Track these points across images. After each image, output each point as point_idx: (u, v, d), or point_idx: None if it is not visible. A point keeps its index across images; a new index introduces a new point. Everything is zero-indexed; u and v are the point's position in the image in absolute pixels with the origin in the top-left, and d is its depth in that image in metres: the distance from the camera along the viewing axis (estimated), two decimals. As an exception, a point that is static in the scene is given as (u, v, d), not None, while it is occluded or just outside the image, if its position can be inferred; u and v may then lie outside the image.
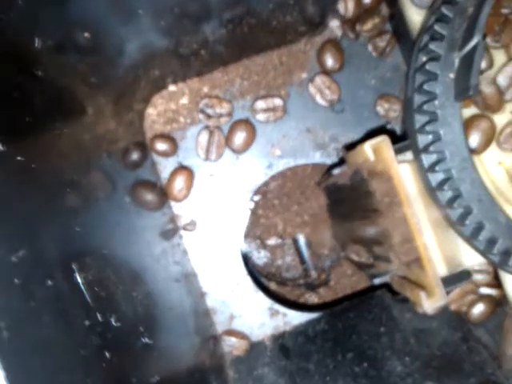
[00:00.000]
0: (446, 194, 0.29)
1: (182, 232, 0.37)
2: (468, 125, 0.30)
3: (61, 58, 0.21)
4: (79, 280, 0.17)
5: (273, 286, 0.42)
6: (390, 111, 0.37)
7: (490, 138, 0.31)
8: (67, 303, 0.16)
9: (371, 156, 0.32)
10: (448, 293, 0.35)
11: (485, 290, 0.34)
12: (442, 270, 0.32)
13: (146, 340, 0.22)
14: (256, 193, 0.41)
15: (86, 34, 0.23)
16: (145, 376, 0.21)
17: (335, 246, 0.44)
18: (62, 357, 0.15)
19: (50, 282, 0.15)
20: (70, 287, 0.16)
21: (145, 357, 0.21)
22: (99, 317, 0.17)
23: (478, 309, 0.34)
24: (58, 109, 0.23)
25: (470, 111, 0.30)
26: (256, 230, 0.42)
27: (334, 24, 0.37)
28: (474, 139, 0.31)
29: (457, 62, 0.28)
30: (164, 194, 0.37)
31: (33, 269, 0.14)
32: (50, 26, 0.19)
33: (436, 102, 0.29)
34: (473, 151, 0.30)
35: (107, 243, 0.27)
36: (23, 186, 0.16)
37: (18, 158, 0.16)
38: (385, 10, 0.37)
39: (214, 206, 0.37)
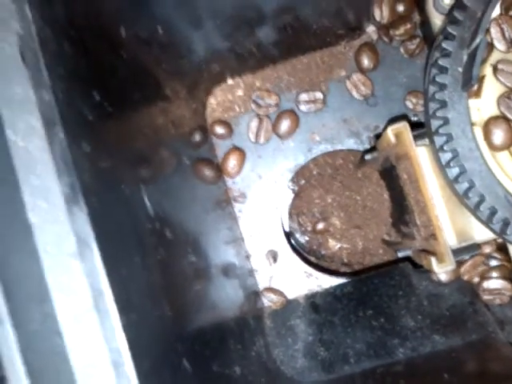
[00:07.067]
0: (454, 171, 0.34)
1: (234, 203, 0.44)
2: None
3: (141, 47, 0.29)
4: (145, 197, 0.24)
5: (313, 259, 0.48)
6: (417, 105, 0.42)
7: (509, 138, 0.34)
8: (135, 206, 0.23)
9: (393, 139, 0.37)
10: (461, 264, 0.40)
11: (494, 263, 0.38)
12: (453, 242, 0.37)
13: (193, 258, 0.28)
14: (299, 176, 0.47)
15: (160, 30, 0.30)
16: (187, 285, 0.27)
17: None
18: (130, 239, 0.22)
19: (125, 188, 0.22)
20: (137, 198, 0.23)
21: (190, 272, 0.28)
22: (157, 225, 0.24)
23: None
24: (140, 86, 0.30)
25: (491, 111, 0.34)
26: (298, 209, 0.48)
27: (371, 29, 0.43)
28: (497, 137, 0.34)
29: (465, 57, 0.34)
30: (219, 171, 0.44)
31: (113, 175, 0.21)
32: (133, 20, 0.27)
33: (446, 92, 0.34)
34: (494, 148, 0.34)
35: (171, 205, 0.34)
36: (109, 124, 0.23)
37: (109, 109, 0.23)
38: (416, 17, 0.42)
39: (261, 182, 0.44)
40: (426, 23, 0.41)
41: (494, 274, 0.38)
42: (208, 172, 0.42)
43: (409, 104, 0.42)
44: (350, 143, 0.44)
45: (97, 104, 0.22)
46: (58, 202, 0.18)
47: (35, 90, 0.18)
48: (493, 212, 0.33)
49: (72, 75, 0.20)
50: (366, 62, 0.42)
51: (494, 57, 0.34)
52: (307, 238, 0.49)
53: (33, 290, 0.19)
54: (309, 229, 0.48)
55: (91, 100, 0.21)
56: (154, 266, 0.22)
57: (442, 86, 0.34)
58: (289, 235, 0.46)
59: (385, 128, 0.39)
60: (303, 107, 0.43)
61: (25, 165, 0.19)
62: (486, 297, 0.37)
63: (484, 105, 0.34)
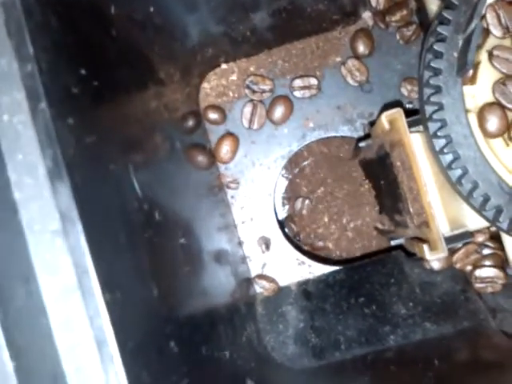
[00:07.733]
0: (447, 157, 0.34)
1: (226, 189, 0.44)
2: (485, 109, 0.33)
3: (133, 27, 0.28)
4: (133, 178, 0.24)
5: (305, 247, 0.48)
6: (412, 92, 0.42)
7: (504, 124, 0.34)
8: (122, 185, 0.22)
9: (386, 126, 0.37)
10: (453, 253, 0.40)
11: (486, 251, 0.38)
12: (446, 229, 0.36)
13: (183, 241, 0.28)
14: (293, 163, 0.47)
15: (153, 12, 0.30)
16: (177, 269, 0.27)
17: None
18: (116, 218, 0.21)
19: (112, 166, 0.21)
20: (125, 177, 0.23)
21: (180, 256, 0.28)
22: (146, 206, 0.24)
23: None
24: (132, 67, 0.29)
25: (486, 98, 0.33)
26: (291, 197, 0.48)
27: (367, 15, 0.42)
28: (492, 123, 0.34)
29: (460, 42, 0.33)
30: (212, 156, 0.43)
31: (100, 152, 0.21)
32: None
33: (441, 77, 0.33)
34: (488, 134, 0.33)
35: (161, 189, 0.34)
36: (97, 99, 0.23)
37: (97, 85, 0.23)
38: (412, 3, 0.42)
39: (254, 168, 0.44)
40: (422, 9, 0.41)
41: (487, 263, 0.38)
42: (201, 157, 0.42)
43: (404, 91, 0.42)
44: (345, 130, 0.43)
45: (83, 79, 0.21)
46: (41, 177, 0.18)
47: (19, 63, 0.18)
48: (486, 199, 0.33)
49: (58, 48, 0.19)
50: (361, 48, 0.42)
51: (490, 43, 0.34)
52: (300, 226, 0.48)
53: (17, 267, 0.19)
54: (302, 216, 0.48)
55: (77, 75, 0.21)
56: (142, 246, 0.22)
57: (437, 71, 0.33)
58: (281, 222, 0.46)
59: (379, 115, 0.39)
60: (297, 93, 0.43)
61: (9, 139, 0.18)
62: (478, 285, 0.37)
63: (479, 91, 0.34)
